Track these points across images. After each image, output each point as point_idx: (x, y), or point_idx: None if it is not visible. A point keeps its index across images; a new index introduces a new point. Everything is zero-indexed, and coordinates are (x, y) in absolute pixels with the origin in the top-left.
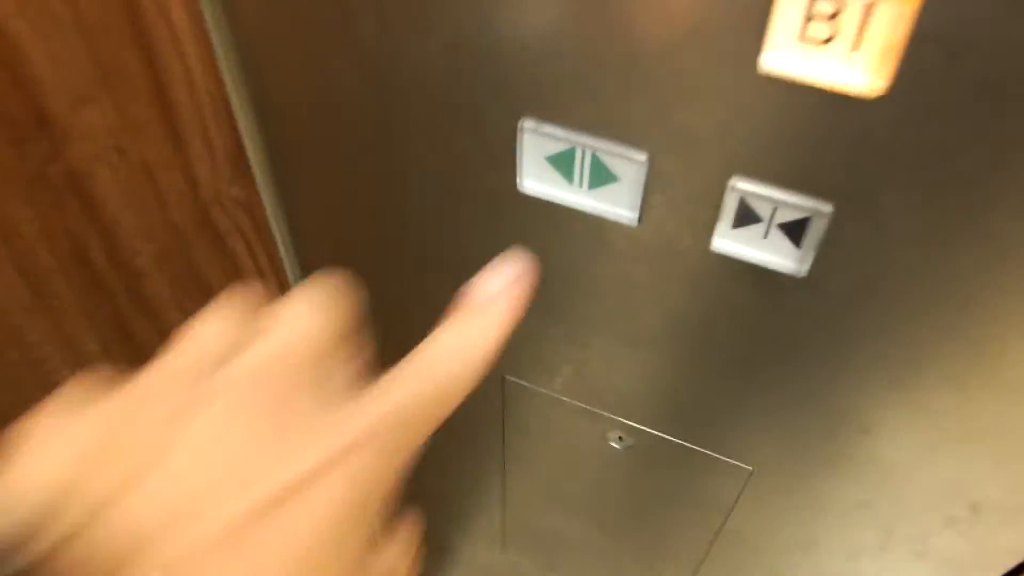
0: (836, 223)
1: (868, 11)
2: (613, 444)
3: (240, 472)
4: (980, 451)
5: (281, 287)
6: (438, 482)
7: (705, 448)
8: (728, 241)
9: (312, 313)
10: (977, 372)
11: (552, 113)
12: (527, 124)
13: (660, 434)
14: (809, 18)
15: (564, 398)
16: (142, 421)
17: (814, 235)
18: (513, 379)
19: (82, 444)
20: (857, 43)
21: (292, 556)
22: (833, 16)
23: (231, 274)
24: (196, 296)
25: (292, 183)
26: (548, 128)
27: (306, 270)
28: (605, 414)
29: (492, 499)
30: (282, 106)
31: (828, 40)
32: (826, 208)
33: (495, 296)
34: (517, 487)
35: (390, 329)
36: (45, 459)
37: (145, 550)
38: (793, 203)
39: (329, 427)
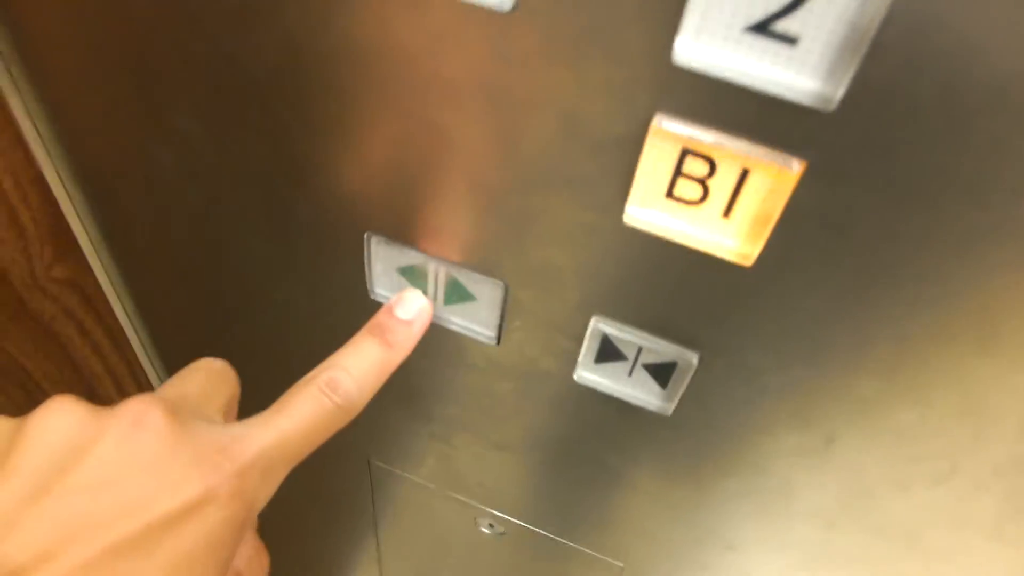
0: (702, 371)
1: (742, 179)
2: (484, 530)
3: (138, 493)
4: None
5: (129, 365)
6: (315, 557)
7: (575, 543)
8: (591, 374)
9: (203, 373)
10: (842, 510)
11: (401, 232)
12: (374, 239)
13: (530, 526)
14: (677, 176)
15: (431, 485)
16: (38, 450)
17: (679, 380)
18: (379, 463)
19: None
20: (729, 210)
21: (178, 564)
22: (705, 179)
23: (60, 362)
24: (13, 392)
25: (132, 261)
26: (397, 245)
27: (159, 347)
28: (473, 503)
29: (370, 574)
30: (111, 185)
31: (698, 202)
32: (691, 357)
33: (403, 324)
34: (392, 563)
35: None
36: None
37: (44, 562)
38: (657, 349)
39: (213, 460)
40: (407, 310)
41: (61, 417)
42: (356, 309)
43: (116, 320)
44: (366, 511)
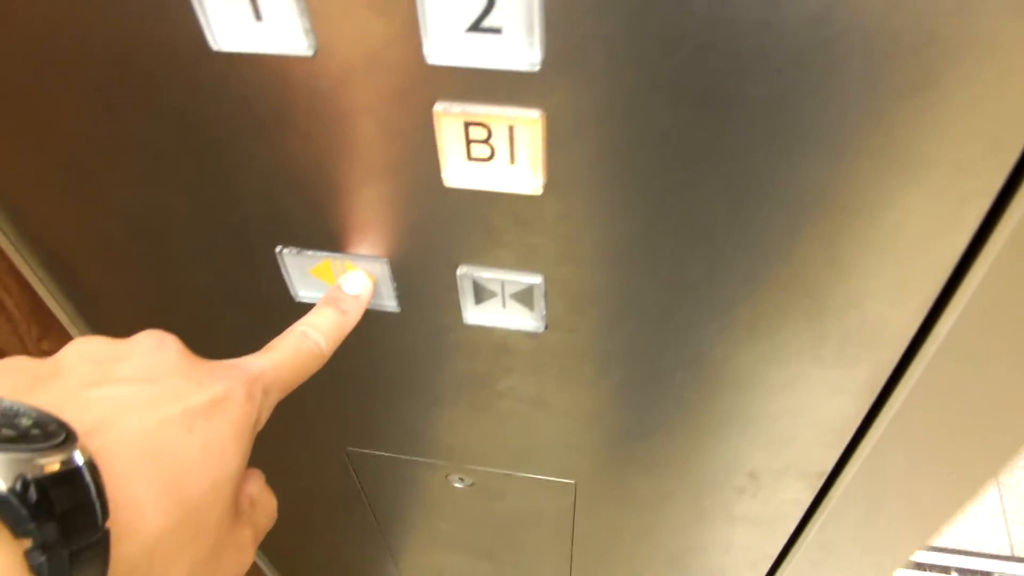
0: (552, 290)
1: (511, 134)
2: (456, 485)
3: (174, 387)
4: (735, 433)
5: None
6: (332, 551)
7: (530, 473)
8: (477, 314)
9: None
10: (697, 372)
11: (304, 241)
12: (285, 251)
13: (489, 469)
14: (469, 143)
15: (400, 456)
16: (82, 359)
17: (539, 301)
18: (354, 449)
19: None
20: (512, 157)
21: (210, 445)
22: (488, 140)
23: None
24: None
25: (104, 321)
26: (302, 250)
27: None
28: (439, 462)
29: (382, 552)
30: (72, 265)
31: (490, 158)
32: (538, 280)
33: (351, 297)
34: (396, 536)
35: None
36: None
37: (104, 429)
38: (515, 279)
39: (226, 372)
40: (353, 286)
41: (93, 340)
42: (289, 312)
43: None
44: (359, 497)
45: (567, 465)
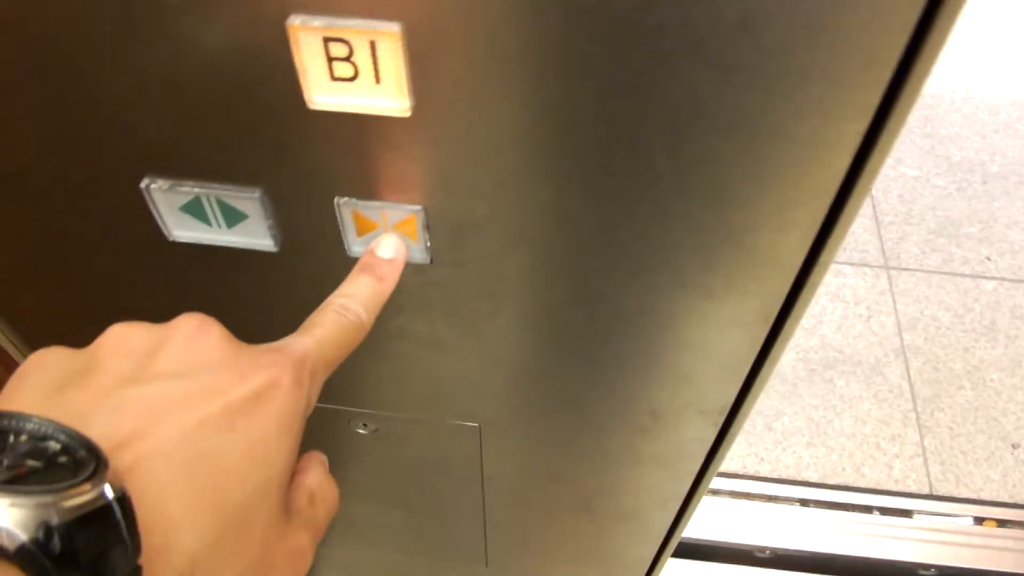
0: (433, 218)
1: (373, 50)
2: (360, 431)
3: (213, 381)
4: (632, 370)
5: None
6: None
7: (433, 416)
8: (360, 248)
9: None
10: (602, 302)
11: (170, 170)
12: (152, 186)
13: (394, 414)
14: (331, 61)
15: None
16: (117, 353)
17: (422, 231)
18: None
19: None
20: (377, 77)
21: (254, 443)
22: (350, 58)
23: None
24: None
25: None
26: (169, 184)
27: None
28: (340, 408)
29: None
30: None
31: (354, 78)
32: (418, 209)
33: (386, 261)
34: None
35: None
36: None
37: (139, 439)
38: (394, 209)
39: (272, 357)
40: (386, 250)
41: (130, 328)
42: (160, 254)
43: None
44: None
45: (469, 408)
